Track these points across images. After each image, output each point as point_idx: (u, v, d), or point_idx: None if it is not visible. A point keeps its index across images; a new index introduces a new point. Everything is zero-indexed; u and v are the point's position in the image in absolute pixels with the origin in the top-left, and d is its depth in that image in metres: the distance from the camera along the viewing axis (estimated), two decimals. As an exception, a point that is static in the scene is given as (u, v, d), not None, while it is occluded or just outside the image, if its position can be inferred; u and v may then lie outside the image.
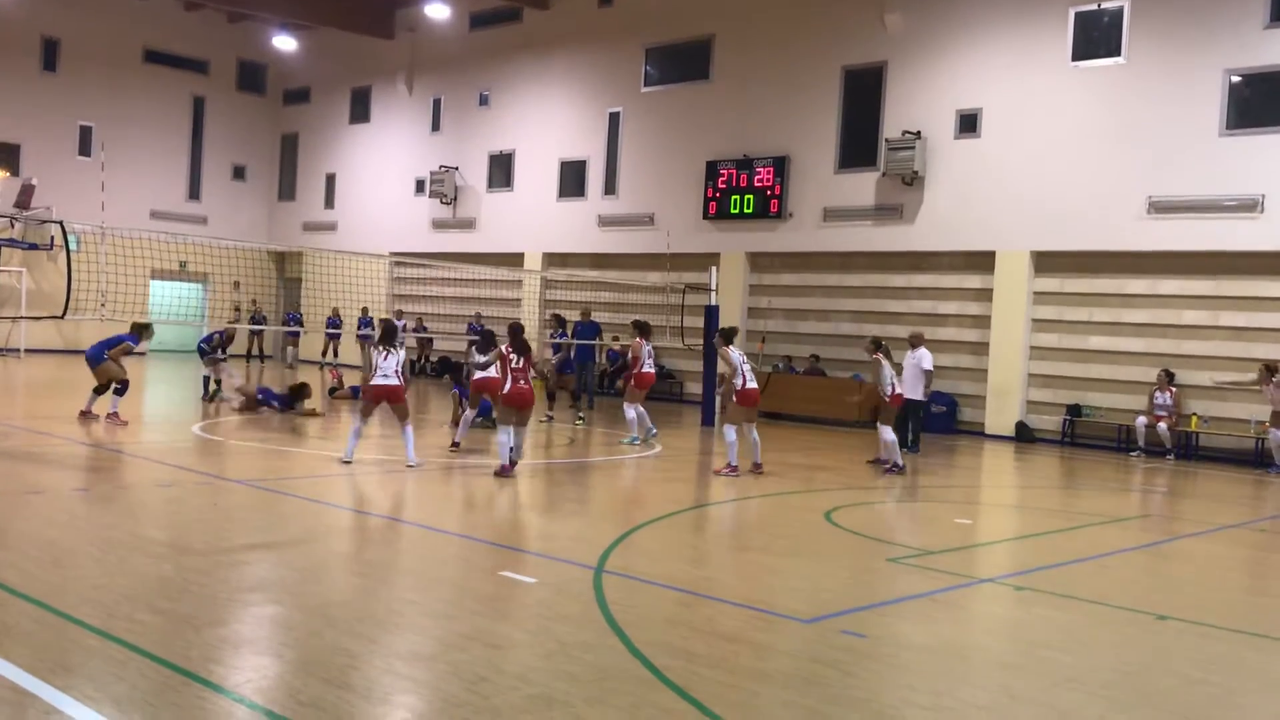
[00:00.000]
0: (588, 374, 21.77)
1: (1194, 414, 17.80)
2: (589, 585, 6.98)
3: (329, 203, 32.91)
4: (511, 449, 11.83)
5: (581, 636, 5.85)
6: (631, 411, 15.58)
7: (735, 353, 13.28)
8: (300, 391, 17.41)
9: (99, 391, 15.21)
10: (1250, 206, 17.28)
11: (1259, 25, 17.36)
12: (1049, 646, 6.34)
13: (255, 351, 29.92)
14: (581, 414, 18.41)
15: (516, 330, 12.41)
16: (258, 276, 30.68)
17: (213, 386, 18.39)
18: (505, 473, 11.65)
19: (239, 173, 34.26)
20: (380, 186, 31.13)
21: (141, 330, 15.79)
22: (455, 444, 14.09)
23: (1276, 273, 17.34)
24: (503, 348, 12.23)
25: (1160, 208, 18.09)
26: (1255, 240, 17.27)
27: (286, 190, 34.48)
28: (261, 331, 29.43)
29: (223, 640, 5.57)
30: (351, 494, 10.65)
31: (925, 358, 16.45)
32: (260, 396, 17.42)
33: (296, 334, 29.18)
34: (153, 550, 7.46)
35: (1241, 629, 6.87)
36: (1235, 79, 17.66)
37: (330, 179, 32.90)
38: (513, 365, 11.98)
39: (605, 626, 6.05)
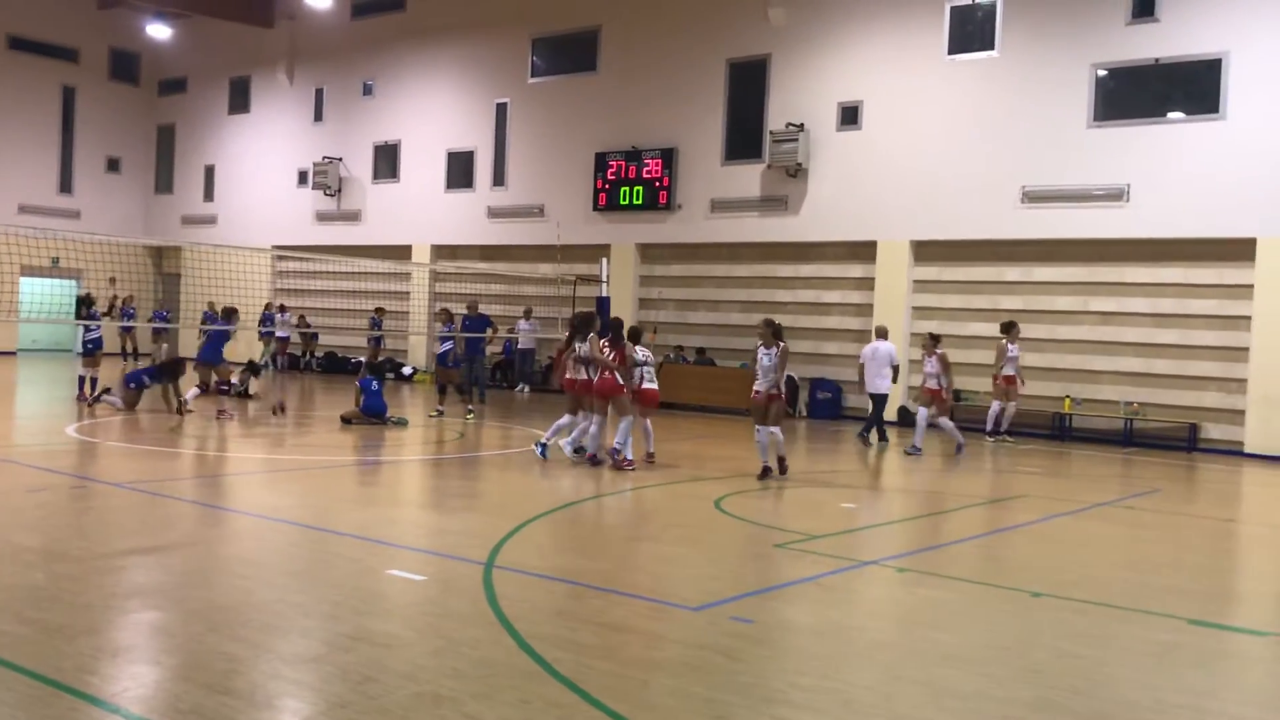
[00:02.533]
0: (478, 368, 21.66)
1: (1067, 396, 18.48)
2: (479, 581, 6.95)
3: (208, 195, 32.05)
4: (576, 441, 12.86)
5: (470, 632, 5.83)
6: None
7: (641, 351, 13.05)
8: (174, 369, 17.01)
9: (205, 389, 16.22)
10: (1117, 196, 17.98)
11: (1122, 22, 18.06)
12: (930, 626, 6.53)
13: (129, 349, 28.93)
14: (471, 407, 18.24)
15: (617, 325, 13.18)
16: (134, 272, 29.66)
17: (88, 387, 17.72)
18: (625, 465, 12.35)
19: (113, 165, 33.12)
20: (262, 178, 30.42)
21: (230, 315, 16.84)
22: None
23: (1142, 259, 18.09)
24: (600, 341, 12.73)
25: (1033, 197, 18.71)
26: (1122, 228, 17.99)
27: (164, 183, 33.46)
28: (133, 329, 28.43)
29: (98, 649, 5.41)
30: (235, 495, 10.41)
31: (892, 350, 16.76)
32: (132, 384, 16.88)
33: (163, 330, 28.17)
34: (22, 558, 7.19)
35: (1110, 603, 7.16)
36: (1101, 73, 18.34)
37: (209, 171, 32.04)
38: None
39: (495, 622, 6.03)
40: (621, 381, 12.65)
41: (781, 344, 12.39)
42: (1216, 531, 10.84)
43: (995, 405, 17.50)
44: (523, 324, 23.55)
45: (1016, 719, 4.92)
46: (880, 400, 16.62)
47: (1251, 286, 17.07)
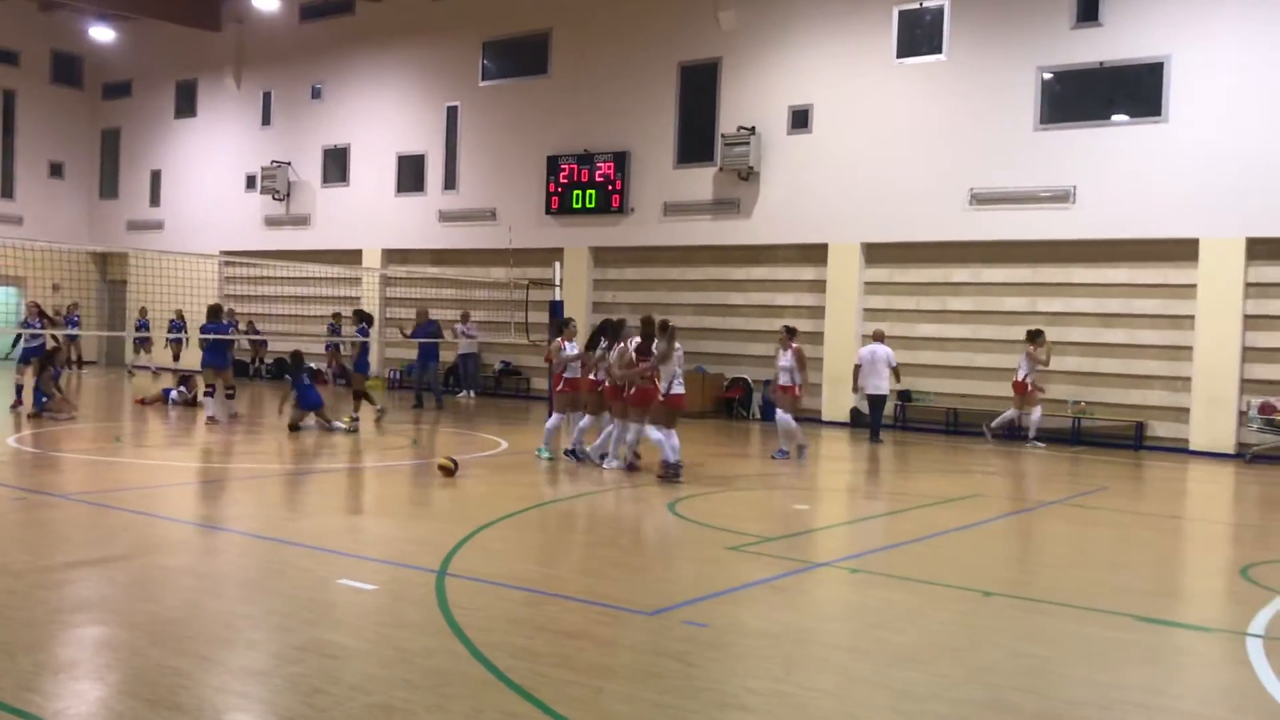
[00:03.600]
0: (430, 374, 21.56)
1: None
2: (431, 589, 6.89)
3: (154, 200, 31.58)
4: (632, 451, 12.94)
5: (422, 642, 5.77)
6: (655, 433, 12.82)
7: (678, 349, 13.06)
8: (51, 358, 17.11)
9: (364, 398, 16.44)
10: (1063, 198, 18.22)
11: (1067, 26, 18.30)
12: (884, 627, 6.56)
13: (73, 358, 28.41)
14: (355, 416, 16.76)
15: (648, 325, 13.15)
16: (78, 279, 29.13)
17: (27, 396, 17.35)
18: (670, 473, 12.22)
19: (56, 170, 32.55)
20: (209, 183, 30.02)
21: (216, 313, 17.04)
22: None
23: (1088, 260, 18.34)
24: (629, 345, 12.85)
25: (981, 199, 18.91)
26: (1068, 229, 18.23)
27: (108, 188, 32.92)
28: (77, 337, 27.94)
29: (40, 666, 5.29)
30: (182, 506, 10.25)
31: (889, 353, 17.41)
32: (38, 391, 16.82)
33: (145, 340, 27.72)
34: (-38, 573, 7.02)
35: (1060, 601, 7.23)
36: (1047, 76, 18.58)
37: (155, 176, 31.57)
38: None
39: (447, 631, 5.98)
40: (659, 388, 12.71)
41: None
42: (1163, 529, 11.01)
43: (1011, 412, 17.67)
44: (460, 328, 23.40)
45: (970, 718, 4.95)
46: (880, 401, 17.50)
47: (1195, 286, 17.37)
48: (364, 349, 17.68)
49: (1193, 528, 11.44)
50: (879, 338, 17.69)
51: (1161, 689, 5.54)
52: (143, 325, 26.43)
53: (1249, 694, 5.45)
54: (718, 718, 4.86)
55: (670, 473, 12.21)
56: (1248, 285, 17.05)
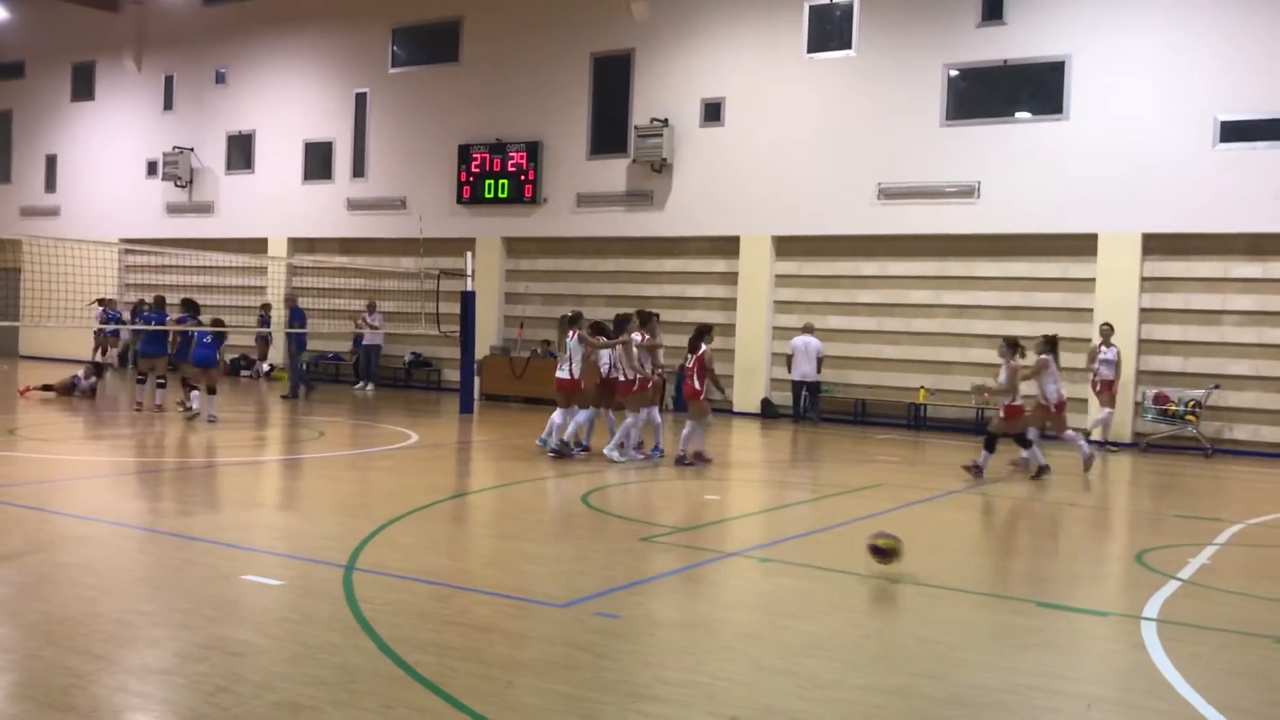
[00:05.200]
0: (297, 363, 21.29)
1: (922, 387, 19.04)
2: (338, 584, 6.78)
3: (50, 186, 30.54)
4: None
5: (329, 638, 5.68)
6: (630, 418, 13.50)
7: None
8: None
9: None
10: (968, 193, 18.60)
11: (972, 24, 18.67)
12: (793, 616, 6.63)
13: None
14: (191, 405, 16.41)
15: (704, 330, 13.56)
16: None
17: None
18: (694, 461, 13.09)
19: (-57, 153, 31.30)
20: (108, 169, 29.12)
21: (190, 307, 16.46)
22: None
23: (991, 254, 18.75)
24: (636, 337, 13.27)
25: (889, 194, 19.21)
26: (972, 224, 18.62)
27: (0, 173, 31.74)
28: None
29: (-75, 669, 5.09)
30: (80, 500, 9.94)
31: (819, 345, 19.06)
32: None
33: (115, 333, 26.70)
34: None
35: (964, 588, 7.40)
36: (953, 73, 18.94)
37: (51, 160, 30.52)
38: (686, 364, 13.49)
39: (355, 626, 5.89)
40: (699, 387, 13.33)
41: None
42: (1063, 516, 11.31)
43: (1105, 412, 16.95)
44: (366, 318, 23.09)
45: (876, 706, 5.03)
46: (814, 386, 19.24)
47: (1094, 280, 17.88)
48: (187, 338, 17.06)
49: (1090, 515, 11.78)
50: (809, 330, 19.01)
51: (1062, 673, 5.68)
52: (150, 319, 25.69)
53: (1144, 675, 5.63)
54: (629, 708, 4.86)
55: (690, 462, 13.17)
56: (1143, 279, 17.60)
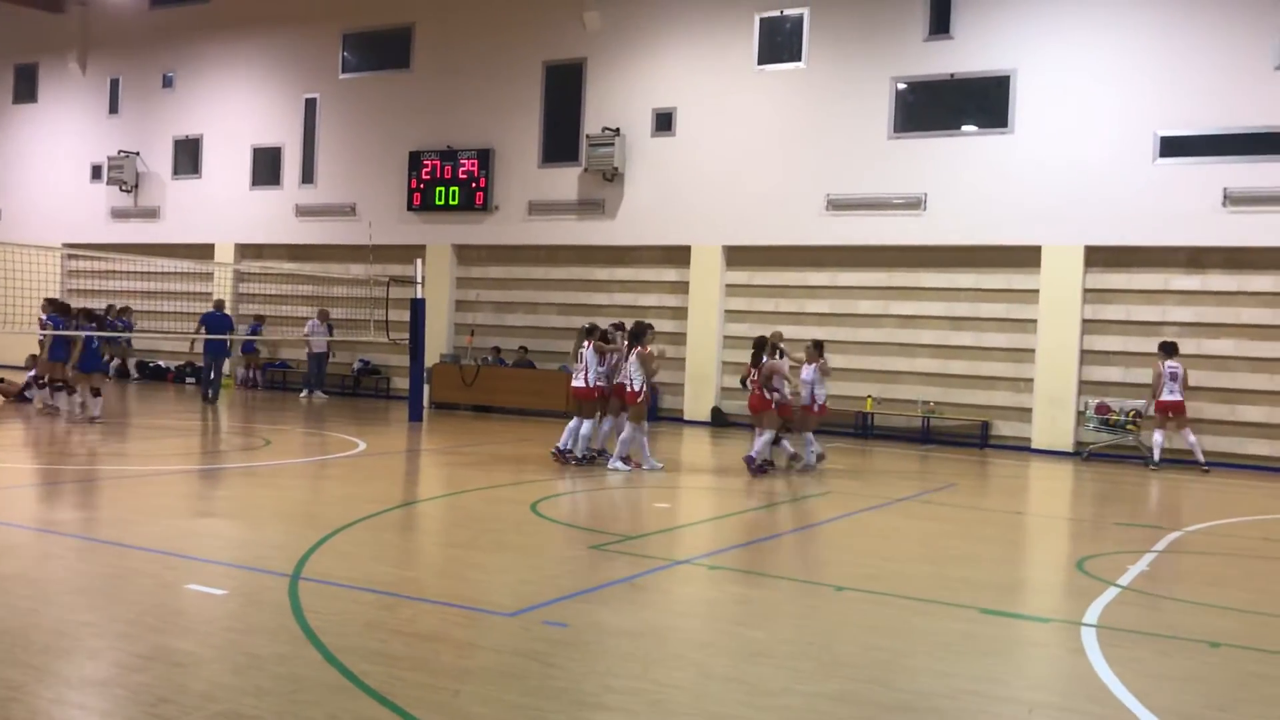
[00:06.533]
0: (217, 367, 21.15)
1: (869, 396, 19.22)
2: (284, 594, 6.72)
3: (-11, 189, 29.96)
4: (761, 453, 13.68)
5: (274, 648, 5.62)
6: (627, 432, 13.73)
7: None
8: None
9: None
10: (915, 205, 18.83)
11: (920, 38, 18.92)
12: (739, 623, 6.67)
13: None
14: (53, 404, 16.97)
15: (761, 343, 14.03)
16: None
17: None
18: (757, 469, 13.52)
19: (-123, 154, 30.53)
20: (51, 173, 28.60)
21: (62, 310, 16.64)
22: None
23: (937, 265, 18.99)
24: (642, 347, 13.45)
25: (837, 205, 19.39)
26: (919, 235, 18.85)
27: (-62, 175, 31.07)
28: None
29: None
30: (17, 508, 9.76)
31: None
32: None
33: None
34: None
35: (909, 595, 7.48)
36: (901, 86, 19.17)
37: (-10, 163, 29.95)
38: (752, 378, 13.83)
39: (300, 636, 5.84)
40: (768, 396, 13.75)
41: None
42: (1006, 524, 11.47)
43: (1157, 435, 16.33)
44: (314, 324, 22.88)
45: (823, 712, 5.07)
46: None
47: (1037, 291, 18.15)
48: (58, 342, 16.90)
49: (1033, 523, 11.96)
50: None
51: (1004, 678, 5.77)
52: (114, 325, 25.30)
53: (1084, 681, 5.72)
54: (577, 717, 4.86)
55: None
56: (1086, 291, 17.90)
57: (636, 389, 13.46)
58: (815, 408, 14.56)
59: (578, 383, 13.87)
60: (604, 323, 14.95)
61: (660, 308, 21.20)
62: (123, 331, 23.91)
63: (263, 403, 21.39)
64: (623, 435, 13.57)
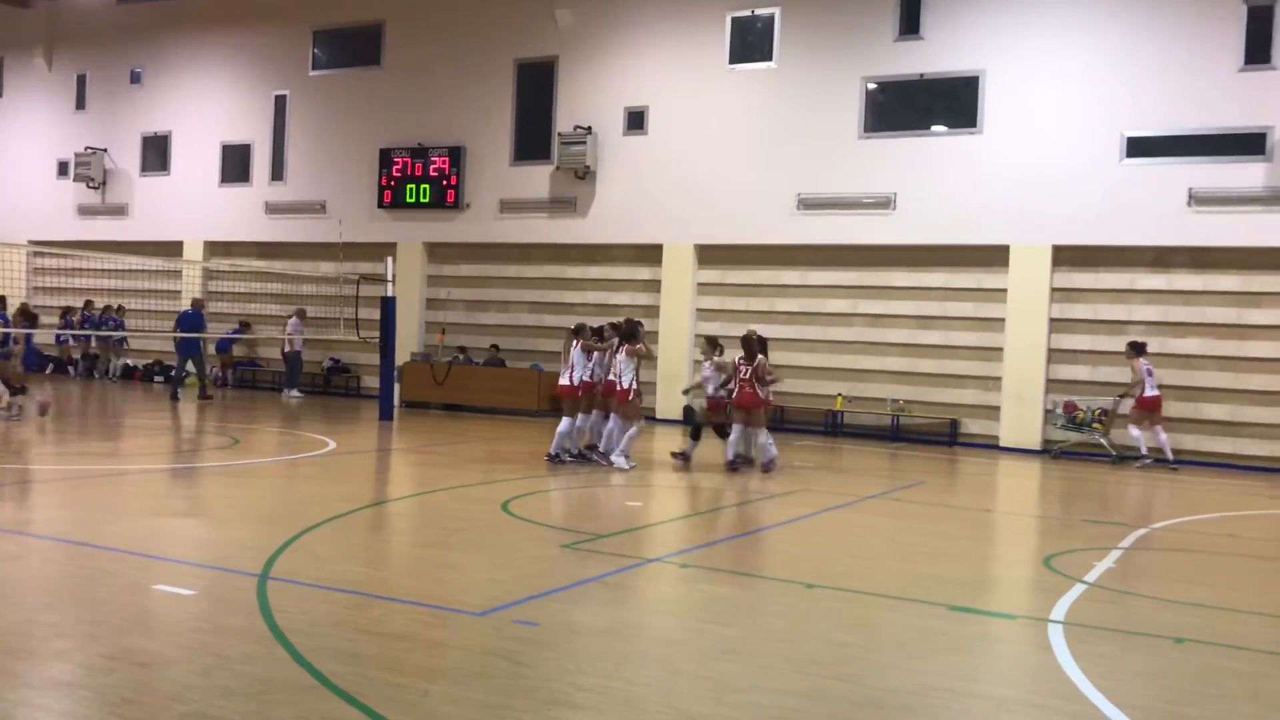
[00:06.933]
0: (188, 363, 21.05)
1: (839, 394, 19.32)
2: (252, 594, 6.68)
3: (-47, 185, 29.58)
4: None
5: (242, 648, 5.59)
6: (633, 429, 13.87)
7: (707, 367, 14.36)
8: None
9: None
10: (885, 204, 18.93)
11: (890, 38, 19.02)
12: (710, 620, 6.69)
13: None
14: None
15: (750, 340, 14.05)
16: None
17: None
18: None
19: None
20: (16, 169, 28.29)
21: None
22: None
23: (906, 264, 19.10)
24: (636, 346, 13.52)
25: (808, 204, 19.46)
26: (889, 235, 18.95)
27: (-99, 171, 30.64)
28: None
29: None
30: (-19, 509, 9.65)
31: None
32: None
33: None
34: None
35: (879, 592, 7.52)
36: (871, 86, 19.26)
37: (-46, 159, 29.57)
38: (741, 375, 13.78)
39: (269, 636, 5.81)
40: (762, 395, 13.87)
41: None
42: (974, 521, 11.55)
43: (1135, 431, 16.54)
44: (295, 323, 22.78)
45: (792, 709, 5.09)
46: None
47: (1005, 290, 18.29)
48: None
49: (1002, 520, 12.05)
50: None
51: (972, 675, 5.81)
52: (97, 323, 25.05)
53: (1051, 677, 5.77)
54: (546, 716, 4.86)
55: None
56: (1053, 290, 18.05)
57: (625, 386, 13.48)
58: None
59: (563, 381, 14.00)
60: (595, 321, 15.06)
61: (632, 306, 21.17)
62: (114, 331, 23.78)
63: (233, 401, 21.23)
64: (630, 432, 13.66)
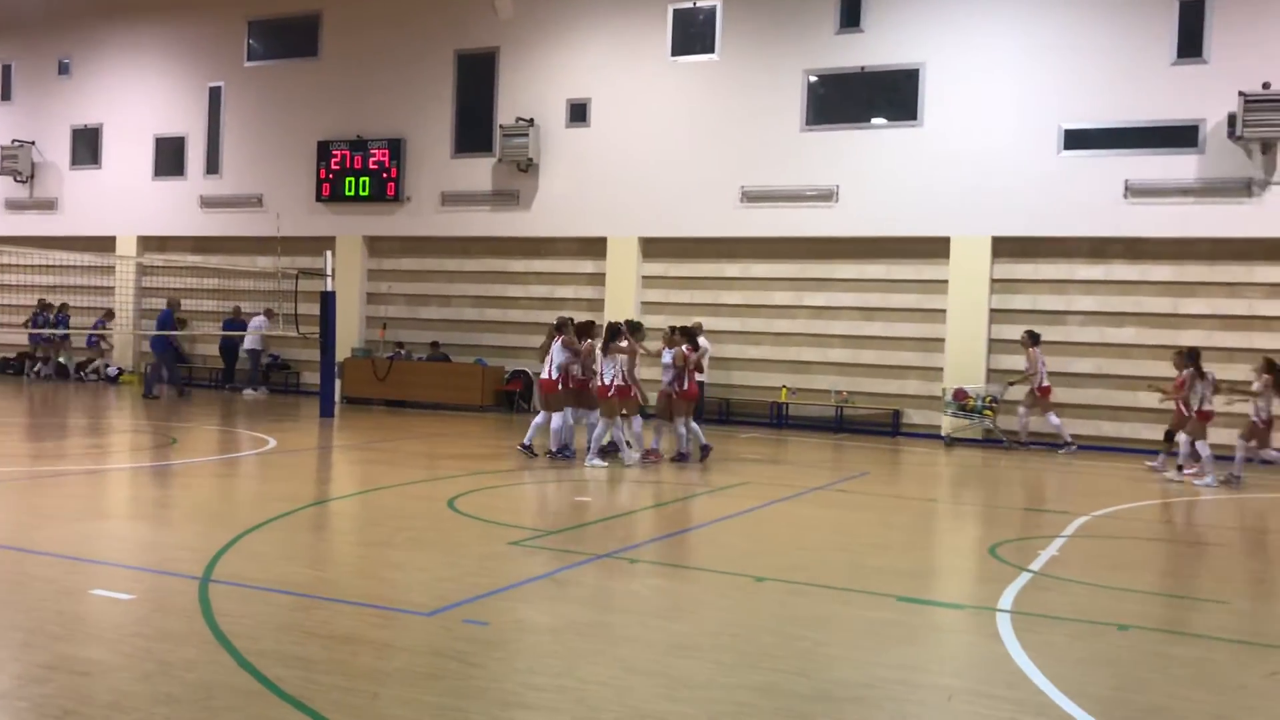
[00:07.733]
0: (167, 363, 20.74)
1: (784, 386, 19.39)
2: (194, 597, 6.53)
3: (-128, 179, 28.67)
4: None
5: (185, 653, 5.45)
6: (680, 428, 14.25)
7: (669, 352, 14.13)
8: None
9: None
10: (827, 197, 19.03)
11: (831, 31, 19.11)
12: (661, 616, 6.66)
13: None
14: None
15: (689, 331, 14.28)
16: None
17: None
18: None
19: None
20: (-61, 162, 27.48)
21: None
22: None
23: (849, 256, 19.22)
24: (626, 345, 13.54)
25: (751, 197, 19.51)
26: (831, 227, 19.06)
27: None
28: None
29: None
30: (-92, 513, 9.35)
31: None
32: None
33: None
34: None
35: (827, 584, 7.54)
36: (813, 79, 19.34)
37: (-126, 152, 28.64)
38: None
39: (212, 640, 5.67)
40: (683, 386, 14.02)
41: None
42: (919, 511, 11.65)
43: (1052, 417, 17.04)
44: (261, 320, 22.38)
45: (745, 704, 5.08)
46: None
47: (946, 282, 18.49)
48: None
49: (944, 509, 12.17)
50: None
51: (921, 665, 5.84)
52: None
53: (1000, 666, 5.82)
54: (499, 716, 4.80)
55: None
56: (993, 281, 18.27)
57: (606, 383, 13.40)
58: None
59: (544, 376, 13.97)
60: (580, 316, 15.18)
61: (577, 300, 21.13)
62: (56, 328, 23.23)
63: (170, 400, 20.81)
64: (637, 429, 13.79)
